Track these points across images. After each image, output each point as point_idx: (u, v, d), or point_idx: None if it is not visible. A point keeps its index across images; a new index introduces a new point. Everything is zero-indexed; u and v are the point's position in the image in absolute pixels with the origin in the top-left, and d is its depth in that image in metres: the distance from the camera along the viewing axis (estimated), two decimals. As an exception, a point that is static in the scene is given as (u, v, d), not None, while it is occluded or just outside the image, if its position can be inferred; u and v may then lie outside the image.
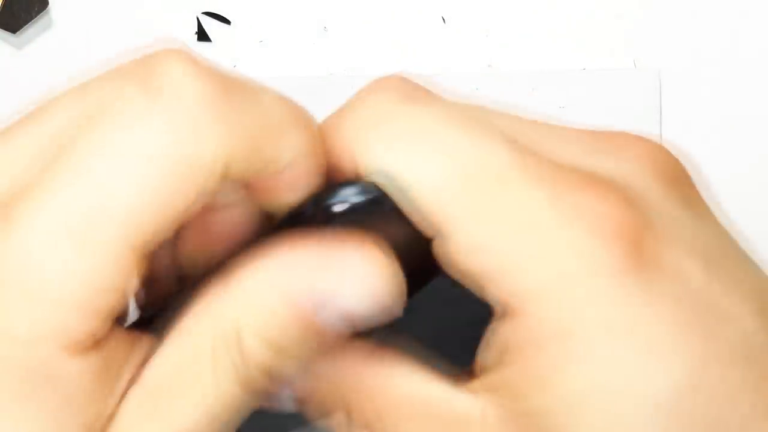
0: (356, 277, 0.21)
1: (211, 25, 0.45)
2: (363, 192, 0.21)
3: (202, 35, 0.45)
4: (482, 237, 0.21)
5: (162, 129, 0.20)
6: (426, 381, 0.22)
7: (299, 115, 0.22)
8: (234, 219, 0.24)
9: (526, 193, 0.21)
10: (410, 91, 0.22)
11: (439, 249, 0.21)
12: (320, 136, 0.22)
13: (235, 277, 0.21)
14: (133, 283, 0.20)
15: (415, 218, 0.21)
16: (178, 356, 0.21)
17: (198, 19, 0.45)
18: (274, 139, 0.21)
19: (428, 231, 0.21)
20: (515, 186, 0.21)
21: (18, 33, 0.44)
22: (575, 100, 0.44)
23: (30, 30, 0.45)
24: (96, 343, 0.20)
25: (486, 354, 0.21)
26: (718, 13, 0.45)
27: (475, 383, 0.21)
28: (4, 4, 0.44)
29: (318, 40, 0.45)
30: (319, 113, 0.44)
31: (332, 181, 0.22)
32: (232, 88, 0.21)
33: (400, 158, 0.21)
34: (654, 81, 0.44)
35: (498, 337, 0.21)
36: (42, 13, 0.44)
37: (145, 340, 0.22)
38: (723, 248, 0.22)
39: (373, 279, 0.21)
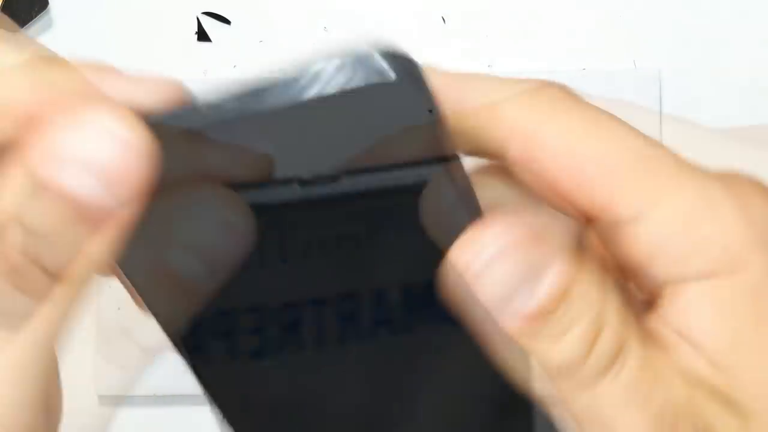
0: (85, 124, 0.18)
1: (211, 25, 0.45)
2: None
3: (202, 35, 0.45)
4: (673, 221, 0.21)
5: None
6: None
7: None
8: None
9: (700, 181, 0.22)
10: (575, 94, 0.23)
11: (606, 229, 0.22)
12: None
13: None
14: None
15: (579, 193, 0.22)
16: None
17: (198, 19, 0.45)
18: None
19: (594, 209, 0.22)
20: (687, 175, 0.22)
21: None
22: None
23: (30, 30, 0.45)
24: None
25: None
26: (718, 13, 0.45)
27: None
28: (4, 4, 0.44)
29: (318, 40, 0.45)
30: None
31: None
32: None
33: (584, 135, 0.22)
34: (654, 81, 0.44)
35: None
36: (42, 13, 0.44)
37: None
38: None
39: (105, 123, 0.18)
